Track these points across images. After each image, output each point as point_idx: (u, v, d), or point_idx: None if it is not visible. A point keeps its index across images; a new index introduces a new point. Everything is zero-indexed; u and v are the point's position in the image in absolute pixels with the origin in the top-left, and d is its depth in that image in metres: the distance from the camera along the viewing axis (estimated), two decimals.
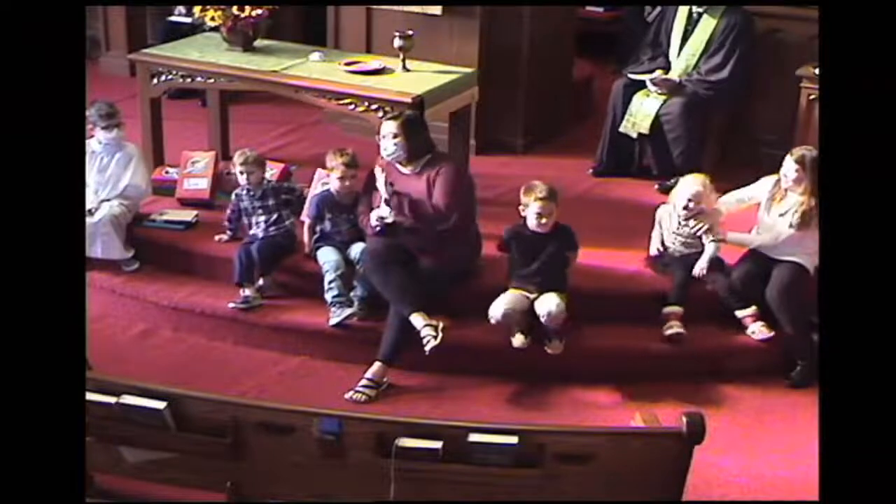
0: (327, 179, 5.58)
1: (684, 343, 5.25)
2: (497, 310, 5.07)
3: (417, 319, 5.05)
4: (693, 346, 5.31)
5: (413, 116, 5.37)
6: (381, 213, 5.23)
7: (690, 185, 5.40)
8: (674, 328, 5.25)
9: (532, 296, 5.13)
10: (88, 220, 5.58)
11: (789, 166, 5.24)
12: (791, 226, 5.22)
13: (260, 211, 5.66)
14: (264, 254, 5.51)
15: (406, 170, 5.29)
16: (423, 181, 5.24)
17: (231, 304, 5.48)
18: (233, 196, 5.78)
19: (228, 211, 5.81)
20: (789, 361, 5.26)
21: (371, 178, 5.39)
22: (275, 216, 5.64)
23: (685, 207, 5.37)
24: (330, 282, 5.35)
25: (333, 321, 5.30)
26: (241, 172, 5.65)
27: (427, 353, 5.00)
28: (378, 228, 5.25)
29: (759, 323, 5.26)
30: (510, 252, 5.25)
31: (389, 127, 5.24)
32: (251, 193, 5.68)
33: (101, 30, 8.61)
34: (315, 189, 5.77)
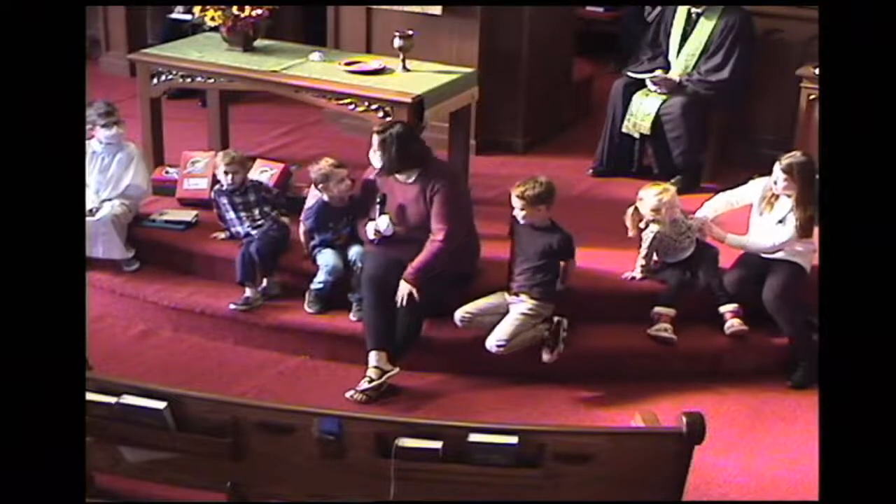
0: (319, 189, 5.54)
1: (672, 346, 5.24)
2: (457, 314, 5.13)
3: (373, 357, 5.07)
4: (692, 346, 5.31)
5: (397, 132, 5.16)
6: (380, 226, 5.23)
7: (650, 198, 5.35)
8: (664, 332, 5.25)
9: (509, 298, 5.15)
10: (89, 219, 5.58)
11: (777, 174, 5.23)
12: (792, 234, 5.20)
13: (241, 207, 5.71)
14: (263, 252, 5.51)
15: (401, 178, 5.25)
16: (419, 192, 5.18)
17: (232, 305, 5.49)
18: (213, 198, 5.83)
19: (216, 211, 5.84)
20: (789, 361, 5.26)
21: (367, 184, 5.38)
22: (257, 211, 5.68)
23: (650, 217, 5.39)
24: (320, 280, 5.42)
25: (307, 308, 5.43)
26: (227, 172, 5.68)
27: (353, 393, 5.01)
28: (376, 241, 5.26)
29: (738, 319, 5.25)
30: (513, 237, 5.27)
31: (374, 139, 5.21)
32: (231, 191, 5.71)
33: (101, 30, 8.62)
34: (309, 200, 5.71)
